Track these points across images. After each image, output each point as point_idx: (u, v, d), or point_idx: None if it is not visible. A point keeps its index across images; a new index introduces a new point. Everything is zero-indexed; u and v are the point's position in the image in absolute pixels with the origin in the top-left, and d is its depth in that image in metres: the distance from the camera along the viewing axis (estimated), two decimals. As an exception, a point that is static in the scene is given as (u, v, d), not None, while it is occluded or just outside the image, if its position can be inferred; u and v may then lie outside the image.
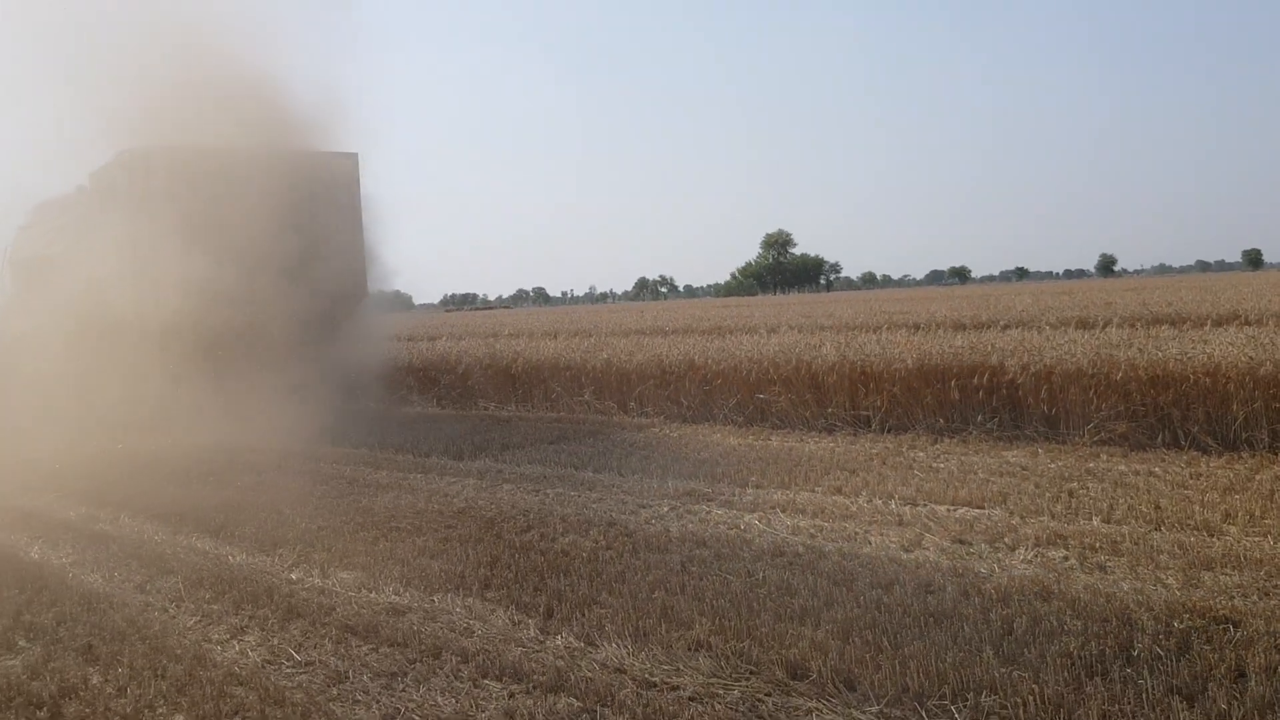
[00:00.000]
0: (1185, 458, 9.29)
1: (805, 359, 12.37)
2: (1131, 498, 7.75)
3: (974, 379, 10.97)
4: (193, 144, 13.75)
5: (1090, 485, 8.30)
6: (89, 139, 14.28)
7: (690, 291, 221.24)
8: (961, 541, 6.74)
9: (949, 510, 7.67)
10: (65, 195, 15.65)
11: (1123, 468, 9.05)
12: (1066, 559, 6.26)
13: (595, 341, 16.80)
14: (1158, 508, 7.36)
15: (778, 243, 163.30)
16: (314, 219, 14.43)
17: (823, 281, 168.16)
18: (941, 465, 9.54)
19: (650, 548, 6.87)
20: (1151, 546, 6.35)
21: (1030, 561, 6.23)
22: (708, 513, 7.95)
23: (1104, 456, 9.59)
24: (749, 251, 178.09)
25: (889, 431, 11.54)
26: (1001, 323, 19.03)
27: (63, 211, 15.77)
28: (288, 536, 7.69)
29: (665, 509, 8.13)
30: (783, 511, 7.81)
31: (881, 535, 7.01)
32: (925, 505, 7.88)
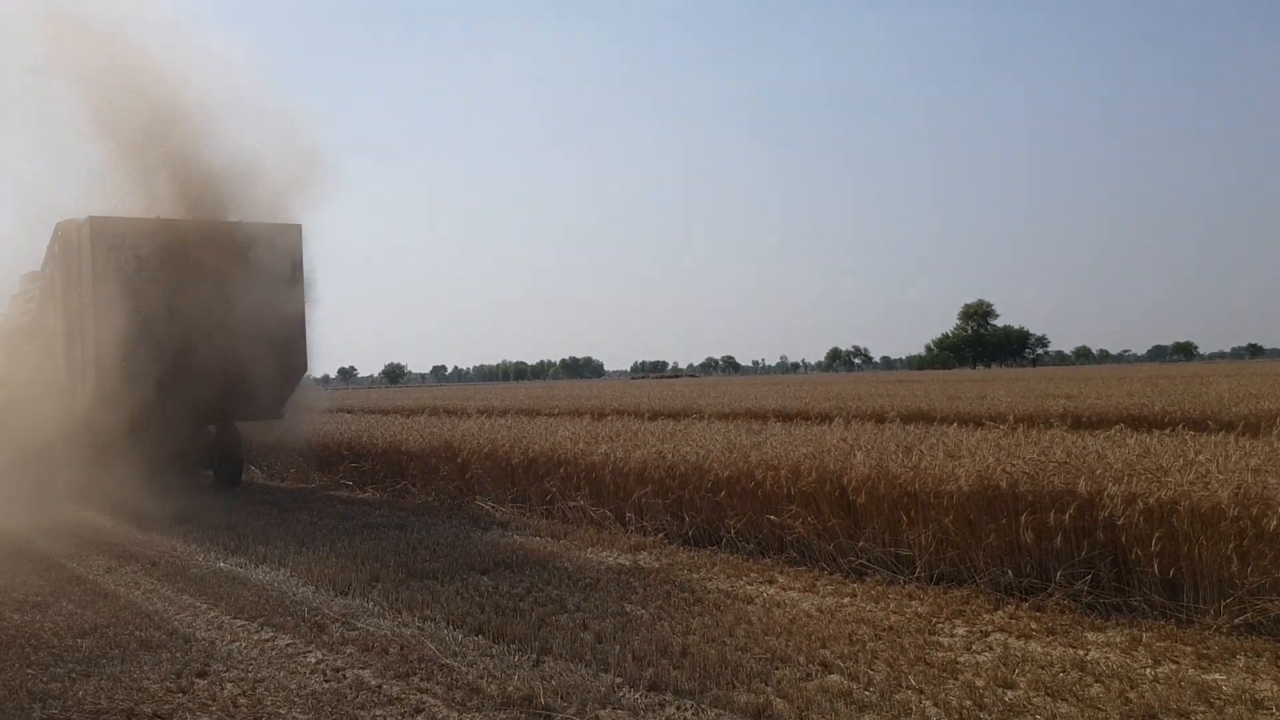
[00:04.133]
0: (1383, 674, 5.50)
1: (833, 468, 8.97)
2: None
3: (1053, 514, 7.34)
4: (129, 215, 13.31)
5: (1193, 733, 4.72)
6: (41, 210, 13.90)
7: (887, 363, 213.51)
8: None
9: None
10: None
11: (1267, 688, 5.37)
12: None
13: (632, 426, 13.65)
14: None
15: (977, 314, 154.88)
16: (253, 292, 13.39)
17: (1028, 355, 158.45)
18: (970, 660, 6.06)
19: None
20: None
21: None
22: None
23: (1242, 659, 5.89)
24: (951, 322, 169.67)
25: (938, 582, 8.01)
26: (1126, 417, 14.70)
27: (33, 281, 15.22)
28: None
29: (457, 734, 5.02)
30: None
31: None
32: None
